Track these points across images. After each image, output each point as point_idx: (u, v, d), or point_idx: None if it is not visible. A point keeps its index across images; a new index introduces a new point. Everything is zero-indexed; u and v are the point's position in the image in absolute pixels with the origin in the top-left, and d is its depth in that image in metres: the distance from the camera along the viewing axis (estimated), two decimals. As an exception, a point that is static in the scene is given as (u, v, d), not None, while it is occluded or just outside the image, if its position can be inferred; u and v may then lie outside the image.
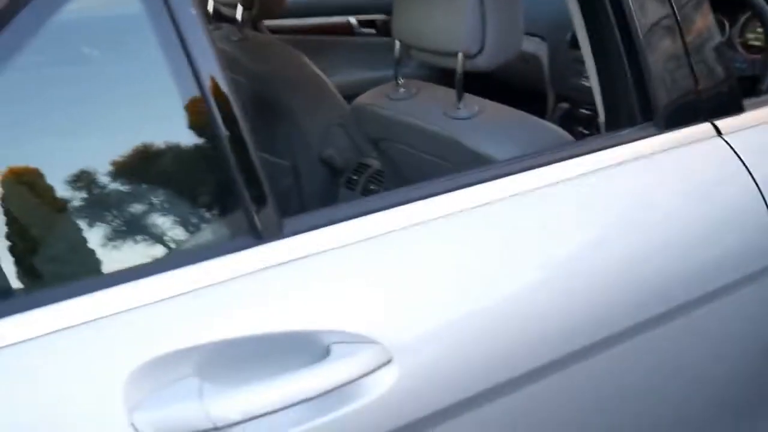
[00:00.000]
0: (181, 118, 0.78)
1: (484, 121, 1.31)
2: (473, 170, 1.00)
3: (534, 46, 2.53)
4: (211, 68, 0.78)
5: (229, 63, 2.05)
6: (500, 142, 1.17)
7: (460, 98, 1.32)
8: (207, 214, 0.83)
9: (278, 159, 1.97)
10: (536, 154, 1.04)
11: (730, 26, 1.95)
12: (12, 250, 0.71)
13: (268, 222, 0.78)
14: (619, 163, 1.04)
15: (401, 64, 1.40)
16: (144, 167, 0.79)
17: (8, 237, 0.71)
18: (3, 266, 0.69)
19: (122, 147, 0.78)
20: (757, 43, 1.95)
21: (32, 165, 0.73)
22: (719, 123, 1.14)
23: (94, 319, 0.70)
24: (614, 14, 1.09)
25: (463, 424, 0.85)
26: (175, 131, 0.80)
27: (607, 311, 0.96)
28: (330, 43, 2.78)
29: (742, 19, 1.92)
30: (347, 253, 0.82)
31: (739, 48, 1.92)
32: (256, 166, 0.79)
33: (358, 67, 2.77)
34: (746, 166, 1.12)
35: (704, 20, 1.13)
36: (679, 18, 1.10)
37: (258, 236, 0.78)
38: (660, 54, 1.09)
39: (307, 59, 1.94)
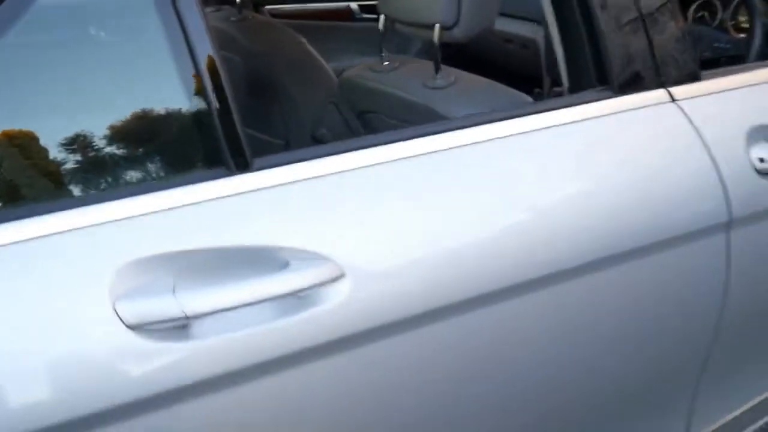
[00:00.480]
0: (162, 65, 0.88)
1: (458, 90, 1.39)
2: (435, 123, 1.11)
3: (532, 30, 2.59)
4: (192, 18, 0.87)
5: (227, 42, 2.15)
6: (469, 107, 1.25)
7: (437, 69, 1.40)
8: (190, 150, 0.94)
9: (272, 138, 2.06)
10: (495, 111, 1.12)
11: (723, 9, 2.02)
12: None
13: (239, 158, 0.90)
14: (572, 122, 1.12)
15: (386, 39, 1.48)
16: (133, 111, 0.89)
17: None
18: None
19: (112, 93, 0.88)
20: (747, 26, 2.02)
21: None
22: (674, 90, 1.21)
23: (91, 225, 0.82)
24: None
25: (410, 339, 0.95)
26: (158, 78, 0.89)
27: (550, 250, 1.05)
28: (329, 28, 2.85)
29: (734, 3, 2.00)
30: (309, 185, 0.93)
31: (731, 30, 2.00)
32: (233, 112, 0.91)
33: (358, 52, 2.84)
34: (696, 129, 1.18)
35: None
36: None
37: (231, 169, 0.90)
38: (615, 24, 1.16)
39: (303, 39, 2.02)
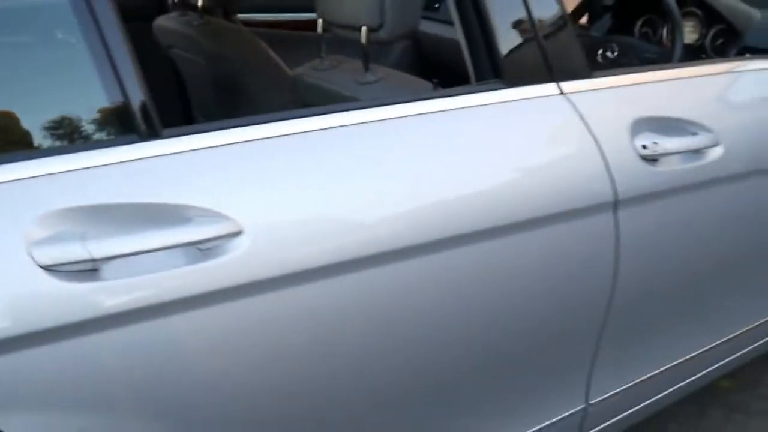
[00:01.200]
0: (83, 43, 1.01)
1: (383, 85, 1.52)
2: (336, 105, 1.26)
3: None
4: None
5: (189, 44, 2.27)
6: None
7: (366, 67, 1.54)
8: (107, 119, 1.06)
9: None
10: (396, 97, 1.25)
11: (663, 27, 2.18)
12: None
13: (150, 127, 1.03)
14: (462, 108, 1.25)
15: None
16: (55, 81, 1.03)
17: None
18: None
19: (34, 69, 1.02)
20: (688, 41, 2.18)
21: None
22: (564, 84, 1.34)
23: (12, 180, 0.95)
24: None
25: (298, 293, 1.07)
26: (78, 56, 1.02)
27: (442, 216, 1.17)
28: (301, 38, 2.98)
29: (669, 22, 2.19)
30: (214, 153, 1.06)
31: (666, 43, 2.16)
32: (144, 89, 1.03)
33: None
34: (583, 119, 1.31)
35: (550, 1, 1.34)
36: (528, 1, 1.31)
37: (142, 136, 1.03)
38: (506, 23, 1.30)
39: (263, 44, 2.15)
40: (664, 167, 1.39)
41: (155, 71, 2.50)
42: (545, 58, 1.33)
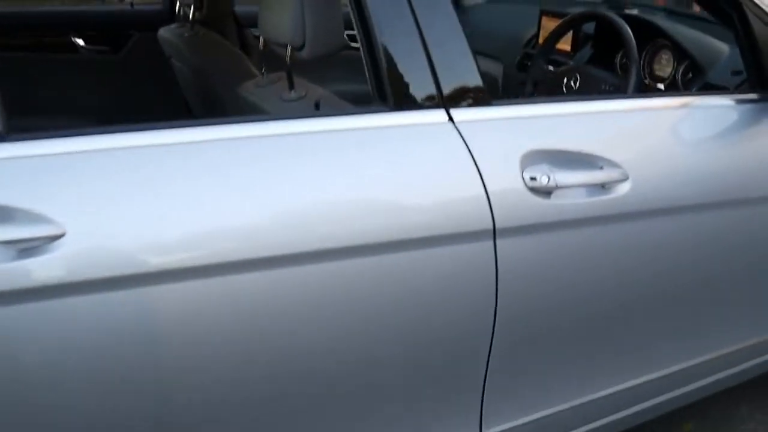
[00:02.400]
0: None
1: (304, 103, 1.58)
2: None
3: (492, 67, 2.79)
4: None
5: (180, 55, 2.38)
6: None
7: (291, 85, 1.60)
8: None
9: None
10: (279, 114, 1.30)
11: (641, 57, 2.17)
12: None
13: None
14: (350, 129, 1.30)
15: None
16: None
17: None
18: None
19: None
20: (661, 74, 2.16)
21: None
22: (456, 111, 1.35)
23: None
24: (357, 12, 1.33)
25: (113, 298, 1.11)
26: None
27: (314, 232, 1.21)
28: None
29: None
30: (54, 159, 1.12)
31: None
32: None
33: (326, 79, 3.05)
34: (469, 147, 1.32)
35: (447, 26, 1.36)
36: (420, 23, 1.33)
37: None
38: (393, 42, 1.32)
39: (245, 57, 2.24)
40: (558, 200, 1.39)
41: (163, 77, 2.66)
42: (436, 83, 1.34)
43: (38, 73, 2.81)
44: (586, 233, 1.43)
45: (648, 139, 1.52)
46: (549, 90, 2.18)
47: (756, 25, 1.66)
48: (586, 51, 2.38)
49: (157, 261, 1.12)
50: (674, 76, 2.10)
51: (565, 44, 2.47)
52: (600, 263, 1.47)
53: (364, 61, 1.38)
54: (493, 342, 1.41)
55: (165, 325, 1.15)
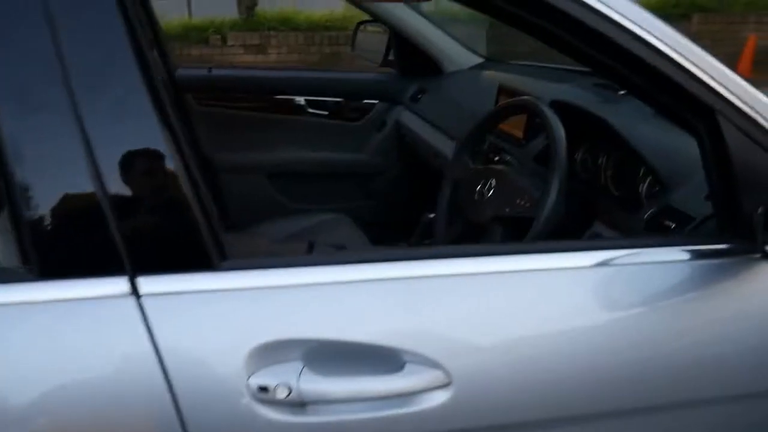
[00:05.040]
0: None
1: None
2: None
3: (447, 146, 2.32)
4: None
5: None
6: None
7: None
8: None
9: None
10: None
11: (607, 155, 1.65)
12: None
13: None
14: None
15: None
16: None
17: None
18: None
19: None
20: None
21: None
22: (146, 280, 0.90)
23: None
24: None
25: None
26: None
27: None
28: (278, 120, 2.75)
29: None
30: None
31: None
32: None
33: (300, 146, 2.72)
34: (153, 335, 0.88)
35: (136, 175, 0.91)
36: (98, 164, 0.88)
37: None
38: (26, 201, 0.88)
39: None
40: (318, 416, 0.93)
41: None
42: (111, 239, 0.89)
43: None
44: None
45: (502, 322, 1.03)
46: (466, 191, 1.68)
47: (733, 142, 1.08)
48: (541, 140, 1.84)
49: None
50: (637, 190, 1.54)
51: (517, 128, 1.96)
52: None
53: None
54: None
55: None
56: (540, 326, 1.02)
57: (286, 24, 8.29)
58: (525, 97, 1.77)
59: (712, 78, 1.06)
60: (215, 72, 2.71)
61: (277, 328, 0.93)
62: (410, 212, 2.17)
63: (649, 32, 1.02)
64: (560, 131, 1.47)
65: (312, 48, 8.31)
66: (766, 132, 1.08)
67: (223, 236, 0.94)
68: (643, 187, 1.52)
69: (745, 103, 1.07)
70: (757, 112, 1.08)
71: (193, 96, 2.62)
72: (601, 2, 1.01)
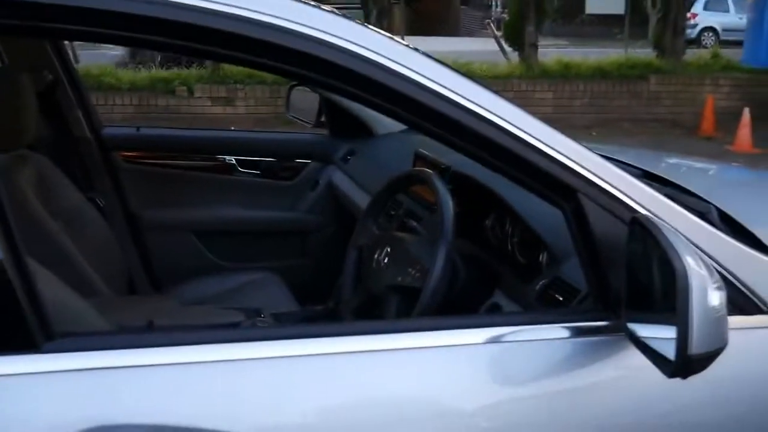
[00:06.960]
0: None
1: None
2: None
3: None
4: None
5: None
6: None
7: None
8: None
9: None
10: None
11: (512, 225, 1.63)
12: None
13: None
14: None
15: None
16: None
17: None
18: None
19: None
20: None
21: None
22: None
23: None
24: None
25: None
26: None
27: None
28: (210, 180, 2.74)
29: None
30: None
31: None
32: None
33: (232, 205, 2.70)
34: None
35: None
36: None
37: None
38: None
39: None
40: None
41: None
42: None
43: None
44: None
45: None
46: (367, 258, 1.65)
47: (595, 220, 1.07)
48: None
49: None
50: (539, 259, 1.52)
51: (429, 193, 1.96)
52: None
53: None
54: None
55: None
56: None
57: (252, 78, 8.35)
58: (419, 168, 1.77)
59: (571, 160, 1.06)
60: (144, 131, 2.70)
61: (97, 412, 0.89)
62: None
63: (511, 123, 1.04)
64: (448, 204, 1.46)
65: (279, 101, 8.36)
66: (628, 208, 1.07)
67: (48, 316, 0.90)
68: (543, 257, 1.51)
69: (605, 181, 1.07)
70: (619, 190, 1.08)
71: (120, 154, 2.60)
72: (465, 97, 1.02)
